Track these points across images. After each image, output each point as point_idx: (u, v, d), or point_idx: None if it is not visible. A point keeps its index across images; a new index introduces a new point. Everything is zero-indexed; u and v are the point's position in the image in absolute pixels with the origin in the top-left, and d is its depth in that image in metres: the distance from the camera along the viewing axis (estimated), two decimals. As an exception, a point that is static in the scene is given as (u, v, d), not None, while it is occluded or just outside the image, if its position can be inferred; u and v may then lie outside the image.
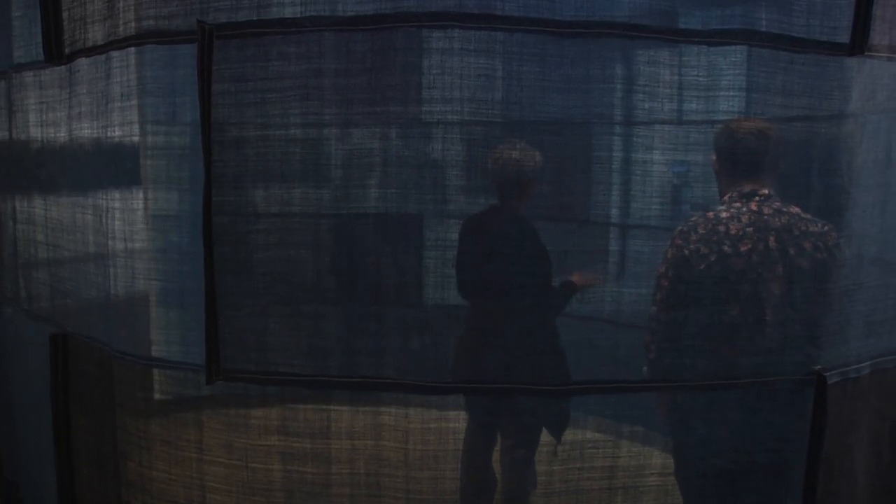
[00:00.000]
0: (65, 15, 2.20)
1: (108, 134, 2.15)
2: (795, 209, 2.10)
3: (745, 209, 2.11)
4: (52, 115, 2.41)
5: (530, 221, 1.99)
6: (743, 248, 2.07)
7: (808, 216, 2.09)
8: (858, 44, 1.92)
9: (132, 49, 2.01)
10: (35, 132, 2.51)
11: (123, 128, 2.10)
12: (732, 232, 2.08)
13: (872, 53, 1.97)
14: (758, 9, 1.92)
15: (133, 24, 1.98)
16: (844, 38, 1.92)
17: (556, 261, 1.93)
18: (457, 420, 1.98)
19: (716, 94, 1.96)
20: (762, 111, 2.05)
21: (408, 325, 1.99)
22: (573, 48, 1.82)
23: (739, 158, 2.09)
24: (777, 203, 2.12)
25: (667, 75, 1.90)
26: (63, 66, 2.27)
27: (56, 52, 2.22)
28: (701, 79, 1.93)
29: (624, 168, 1.95)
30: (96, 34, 2.12)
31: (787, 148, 2.08)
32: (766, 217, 2.09)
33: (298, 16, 1.80)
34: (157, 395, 2.09)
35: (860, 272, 2.08)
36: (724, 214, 2.11)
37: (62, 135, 2.38)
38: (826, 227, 2.09)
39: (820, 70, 1.96)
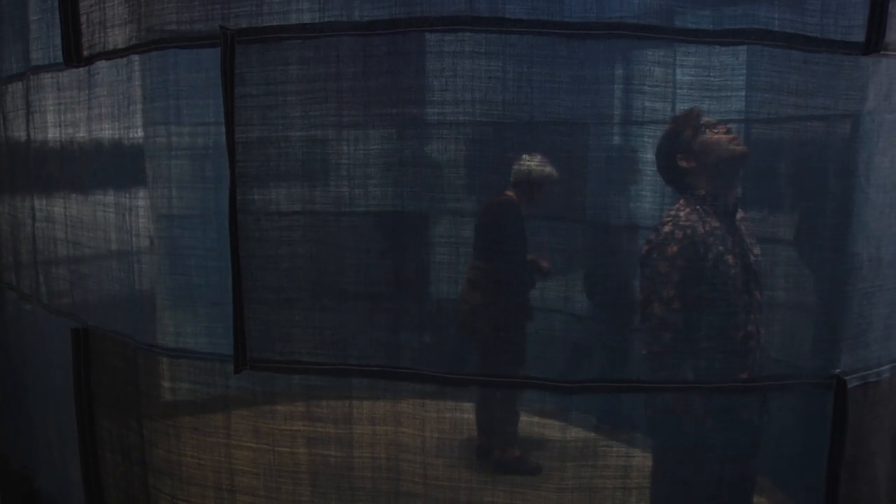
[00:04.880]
0: (83, 18, 2.46)
1: (131, 134, 2.41)
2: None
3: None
4: (71, 116, 2.67)
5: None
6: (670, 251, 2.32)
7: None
8: (874, 43, 2.06)
9: (154, 52, 2.27)
10: (53, 132, 2.77)
11: (146, 129, 2.37)
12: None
13: (888, 52, 2.11)
14: (770, 8, 2.06)
15: (155, 29, 2.23)
16: (859, 36, 2.06)
17: (566, 259, 2.20)
18: (470, 411, 2.24)
19: (728, 95, 2.12)
20: (775, 111, 2.17)
21: (422, 319, 2.24)
22: (582, 49, 2.02)
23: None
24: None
25: (677, 76, 2.08)
26: (82, 69, 2.53)
27: (75, 54, 2.48)
28: (713, 79, 2.09)
29: (633, 168, 2.22)
30: (117, 37, 2.37)
31: (802, 148, 2.25)
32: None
33: (317, 21, 2.05)
34: (185, 385, 2.35)
35: (878, 274, 2.24)
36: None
37: (82, 135, 2.64)
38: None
39: (835, 69, 2.10)
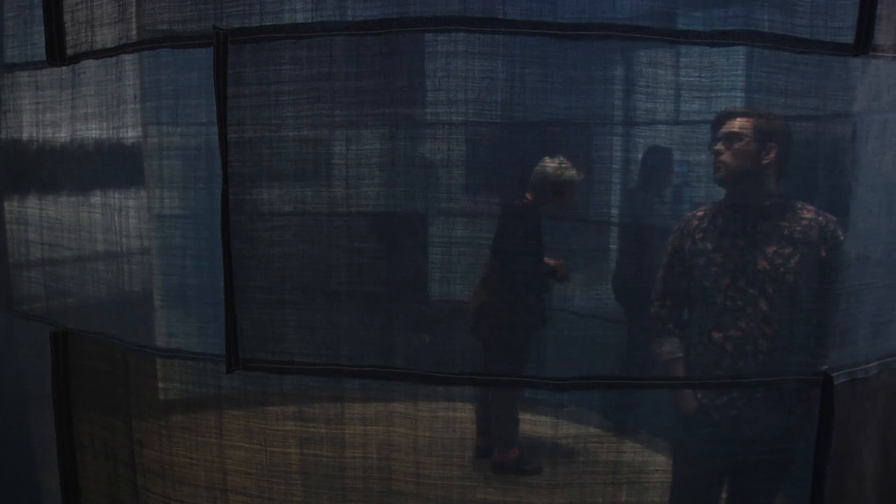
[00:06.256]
0: (67, 17, 2.48)
1: (120, 135, 2.43)
2: None
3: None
4: (51, 116, 2.67)
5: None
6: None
7: None
8: (863, 44, 2.13)
9: (146, 52, 2.31)
10: (30, 132, 2.77)
11: (137, 129, 2.41)
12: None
13: (877, 54, 2.18)
14: (760, 9, 2.13)
15: (147, 28, 2.26)
16: (849, 38, 2.12)
17: (556, 257, 2.28)
18: (463, 409, 2.31)
19: (717, 95, 2.19)
20: (765, 112, 2.28)
21: (415, 319, 2.29)
22: (575, 50, 2.08)
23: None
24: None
25: (668, 76, 2.16)
26: (65, 67, 2.55)
27: (58, 53, 2.49)
28: (703, 79, 2.17)
29: (625, 168, 2.30)
30: (105, 37, 2.39)
31: (793, 148, 2.32)
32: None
33: (309, 21, 2.09)
34: (177, 385, 2.40)
35: (866, 272, 2.31)
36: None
37: (63, 135, 2.65)
38: None
39: (824, 70, 2.17)
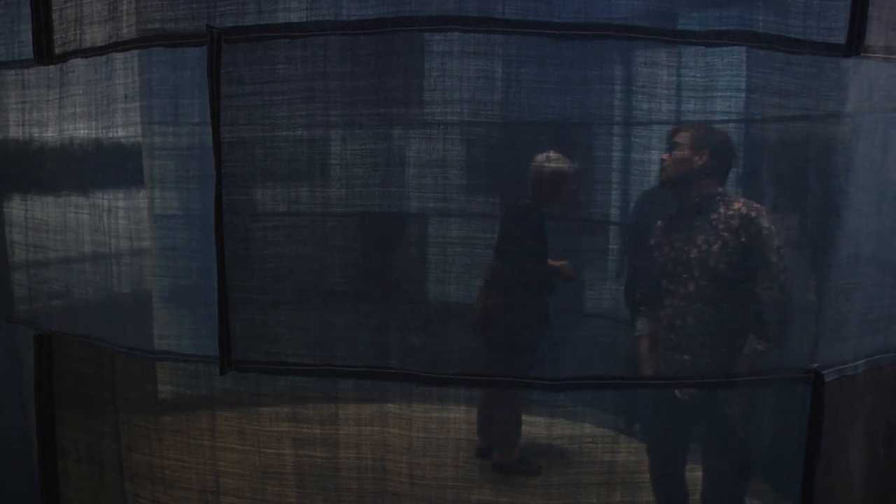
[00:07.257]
0: (56, 15, 2.45)
1: (110, 134, 2.41)
2: None
3: None
4: (38, 115, 2.65)
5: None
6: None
7: None
8: (855, 45, 2.15)
9: (138, 51, 2.29)
10: (15, 132, 2.73)
11: (127, 128, 2.39)
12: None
13: (869, 54, 2.20)
14: (755, 10, 2.15)
15: (138, 27, 2.24)
16: (841, 39, 2.15)
17: (555, 258, 2.30)
18: (457, 410, 2.31)
19: (713, 95, 2.21)
20: (759, 111, 2.30)
21: (410, 319, 2.28)
22: (571, 50, 2.09)
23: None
24: None
25: (664, 76, 2.18)
26: (52, 66, 2.52)
27: (46, 52, 2.47)
28: (698, 79, 2.19)
29: (622, 168, 2.31)
30: (95, 35, 2.37)
31: (785, 148, 2.36)
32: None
33: (304, 20, 2.08)
34: (168, 388, 2.38)
35: (856, 271, 2.35)
36: None
37: (50, 135, 2.62)
38: None
39: (817, 71, 2.20)
